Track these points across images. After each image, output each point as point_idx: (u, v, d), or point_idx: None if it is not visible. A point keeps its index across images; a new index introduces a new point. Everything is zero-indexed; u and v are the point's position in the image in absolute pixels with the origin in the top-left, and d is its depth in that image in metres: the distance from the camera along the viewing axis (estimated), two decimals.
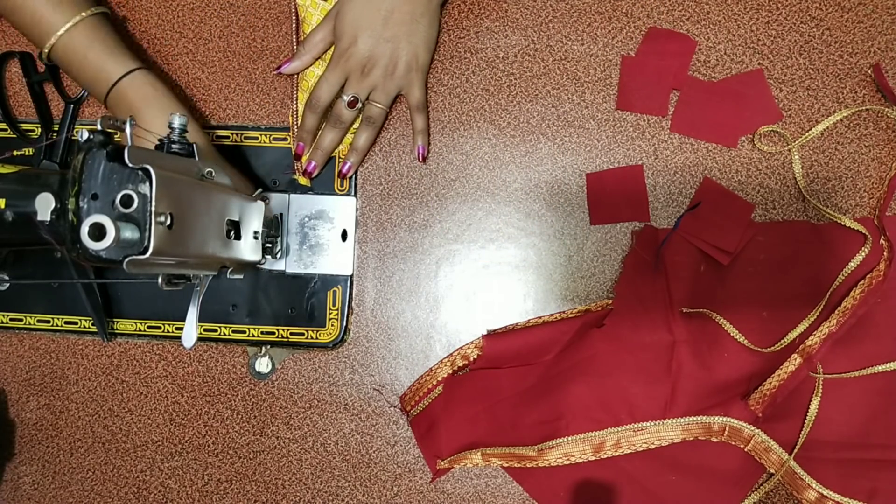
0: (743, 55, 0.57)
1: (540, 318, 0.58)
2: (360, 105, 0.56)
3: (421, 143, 0.58)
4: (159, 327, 0.61)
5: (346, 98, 0.55)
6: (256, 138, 0.61)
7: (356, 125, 0.58)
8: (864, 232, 0.54)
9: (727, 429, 0.54)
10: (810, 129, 0.56)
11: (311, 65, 0.58)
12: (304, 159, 0.58)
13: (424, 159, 0.59)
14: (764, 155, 0.57)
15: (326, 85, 0.55)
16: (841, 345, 0.54)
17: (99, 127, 0.40)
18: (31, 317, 0.63)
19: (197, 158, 0.45)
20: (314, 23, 0.58)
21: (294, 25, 0.59)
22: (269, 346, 0.60)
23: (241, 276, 0.51)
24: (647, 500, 0.56)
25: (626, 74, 0.58)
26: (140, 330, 0.62)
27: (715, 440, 0.54)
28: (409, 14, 0.54)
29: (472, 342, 0.58)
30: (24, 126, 0.64)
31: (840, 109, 0.56)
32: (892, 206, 0.55)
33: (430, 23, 0.56)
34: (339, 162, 0.60)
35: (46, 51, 0.54)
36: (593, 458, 0.55)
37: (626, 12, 0.58)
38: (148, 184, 0.38)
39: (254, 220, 0.52)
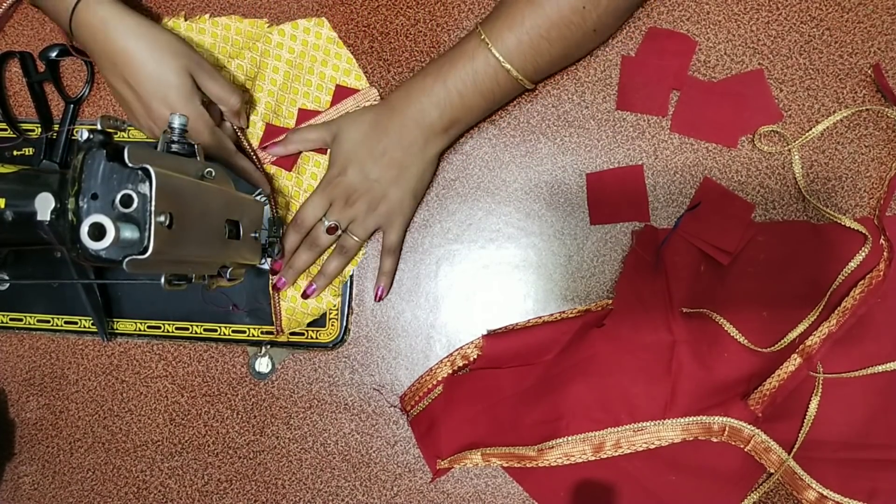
0: (743, 55, 0.57)
1: (540, 318, 0.58)
2: (339, 232, 0.57)
3: (382, 285, 0.58)
4: (159, 327, 0.61)
5: (326, 223, 0.56)
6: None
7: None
8: (864, 232, 0.54)
9: (727, 429, 0.54)
10: (810, 129, 0.56)
11: (293, 153, 0.59)
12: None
13: (380, 299, 0.59)
14: (764, 155, 0.57)
15: (311, 207, 0.56)
16: (841, 345, 0.54)
17: (99, 127, 0.40)
18: (31, 317, 0.63)
19: (198, 158, 0.45)
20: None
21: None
22: (269, 346, 0.60)
23: (241, 279, 0.51)
24: (647, 500, 0.56)
25: (626, 74, 0.58)
26: (140, 330, 0.62)
27: (715, 440, 0.54)
28: (401, 160, 0.55)
29: (472, 342, 0.58)
30: (24, 126, 0.64)
31: (840, 109, 0.56)
32: (892, 206, 0.55)
33: (421, 173, 0.56)
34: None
35: None
36: (593, 458, 0.55)
37: None
38: (148, 184, 0.38)
39: (254, 220, 0.52)
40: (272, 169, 0.60)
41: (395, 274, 0.59)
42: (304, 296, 0.58)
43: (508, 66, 0.52)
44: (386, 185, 0.55)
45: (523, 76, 0.53)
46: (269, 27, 0.61)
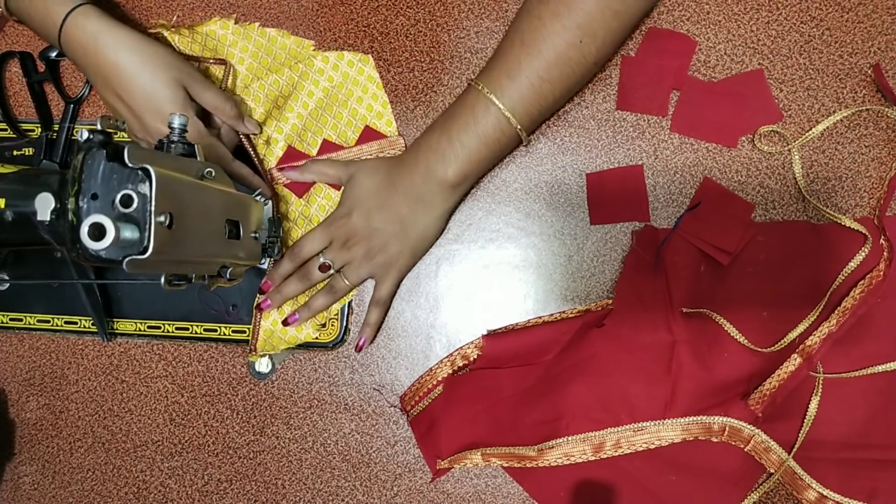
0: (743, 55, 0.57)
1: (540, 318, 0.58)
2: (331, 272, 0.57)
3: (365, 337, 0.58)
4: (159, 327, 0.61)
5: (321, 260, 0.56)
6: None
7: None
8: (864, 232, 0.54)
9: (727, 429, 0.54)
10: (810, 129, 0.56)
11: (307, 181, 0.59)
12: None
13: (360, 350, 0.58)
14: (764, 155, 0.57)
15: (310, 242, 0.57)
16: (841, 345, 0.54)
17: (99, 127, 0.40)
18: (31, 317, 0.63)
19: (198, 158, 0.45)
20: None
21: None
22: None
23: (241, 279, 0.51)
24: (647, 500, 0.56)
25: (626, 74, 0.58)
26: (140, 330, 0.62)
27: (715, 440, 0.54)
28: (405, 216, 0.55)
29: (472, 342, 0.58)
30: (24, 126, 0.64)
31: (840, 109, 0.56)
32: (892, 206, 0.55)
33: (424, 232, 0.57)
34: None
35: (3, 6, 0.54)
36: (593, 458, 0.55)
37: None
38: (148, 184, 0.38)
39: (254, 220, 0.52)
40: (283, 191, 0.60)
41: (380, 326, 0.59)
42: (285, 323, 0.58)
43: (509, 115, 0.51)
44: (387, 237, 0.56)
45: (529, 121, 0.53)
46: (314, 50, 0.60)
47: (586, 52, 0.50)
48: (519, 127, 0.52)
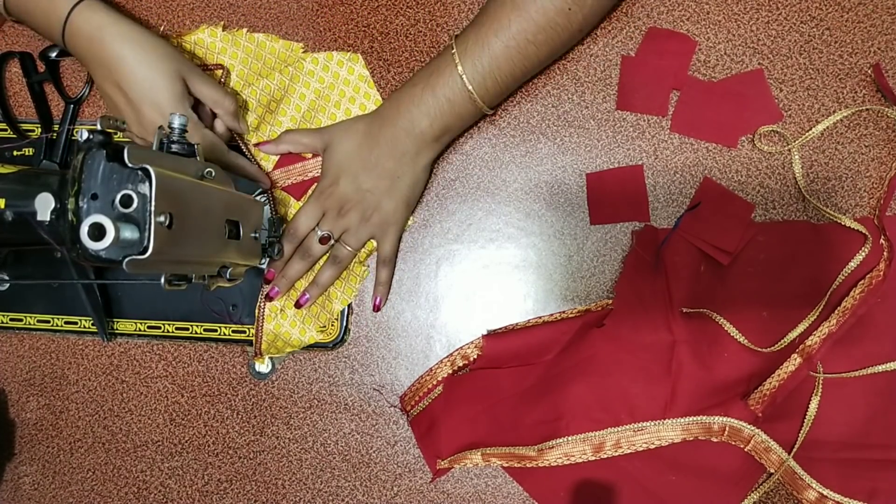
0: (743, 55, 0.57)
1: (540, 318, 0.58)
2: (331, 242, 0.57)
3: (379, 296, 0.58)
4: (159, 327, 0.61)
5: (319, 233, 0.56)
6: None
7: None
8: (864, 232, 0.54)
9: (727, 429, 0.54)
10: (810, 129, 0.56)
11: (282, 153, 0.59)
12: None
13: (377, 310, 0.59)
14: (764, 155, 0.57)
15: (304, 218, 0.57)
16: (841, 345, 0.54)
17: (99, 127, 0.40)
18: (31, 317, 0.63)
19: (198, 158, 0.45)
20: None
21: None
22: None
23: (241, 279, 0.51)
24: (647, 500, 0.56)
25: (626, 74, 0.58)
26: (140, 330, 0.62)
27: (715, 440, 0.54)
28: (393, 171, 0.55)
29: (472, 342, 0.58)
30: (24, 126, 0.64)
31: (840, 109, 0.56)
32: (892, 206, 0.55)
33: (413, 183, 0.56)
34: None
35: (2, 6, 0.54)
36: (593, 458, 0.55)
37: (626, 12, 0.58)
38: (148, 184, 0.38)
39: (254, 220, 0.52)
40: (282, 194, 0.60)
41: (391, 283, 0.59)
42: (297, 305, 0.58)
43: (471, 89, 0.52)
44: (379, 196, 0.56)
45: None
46: (303, 53, 0.60)
47: (573, 19, 0.51)
48: (479, 101, 0.52)
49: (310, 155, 0.60)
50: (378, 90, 0.60)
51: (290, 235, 0.57)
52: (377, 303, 0.58)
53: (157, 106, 0.52)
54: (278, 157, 0.60)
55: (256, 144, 0.59)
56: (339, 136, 0.56)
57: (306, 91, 0.60)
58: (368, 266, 0.60)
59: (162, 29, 0.62)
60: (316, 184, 0.59)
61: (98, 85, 0.55)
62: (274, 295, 0.58)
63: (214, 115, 0.57)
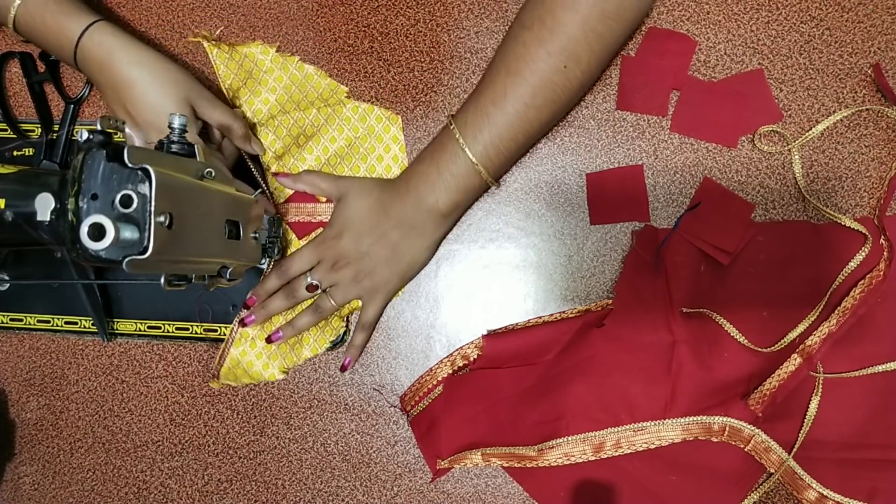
0: (743, 55, 0.57)
1: (540, 318, 0.58)
2: (318, 292, 0.57)
3: (350, 357, 0.58)
4: (159, 327, 0.61)
5: (309, 280, 0.56)
6: None
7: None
8: (864, 232, 0.54)
9: (727, 429, 0.54)
10: (810, 129, 0.56)
11: (298, 190, 0.59)
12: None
13: (344, 370, 0.58)
14: (764, 155, 0.57)
15: (299, 261, 0.57)
16: (841, 345, 0.54)
17: (99, 127, 0.40)
18: (31, 317, 0.63)
19: (198, 158, 0.45)
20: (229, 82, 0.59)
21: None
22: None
23: (241, 279, 0.51)
24: (647, 500, 0.56)
25: (626, 74, 0.58)
26: (140, 330, 0.62)
27: (715, 440, 0.54)
28: (396, 243, 0.55)
29: (472, 342, 0.58)
30: (24, 126, 0.64)
31: (840, 109, 0.56)
32: (892, 206, 0.55)
33: (413, 259, 0.57)
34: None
35: (11, 25, 0.54)
36: (593, 458, 0.55)
37: None
38: (148, 184, 0.38)
39: (254, 221, 0.52)
40: (285, 226, 0.60)
41: (363, 348, 0.59)
42: (268, 340, 0.58)
43: (475, 161, 0.52)
44: (375, 262, 0.56)
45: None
46: (346, 97, 0.60)
47: (571, 77, 0.50)
48: (483, 172, 0.52)
49: (324, 200, 0.59)
50: (377, 90, 0.60)
51: (280, 272, 0.57)
52: (346, 363, 0.58)
53: (164, 132, 0.52)
54: (291, 193, 0.60)
55: (275, 174, 0.59)
56: (355, 193, 0.56)
57: (338, 136, 0.59)
58: (347, 323, 0.60)
59: (218, 32, 0.61)
60: (321, 229, 0.59)
61: (108, 105, 0.56)
62: (249, 322, 0.57)
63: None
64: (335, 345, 0.59)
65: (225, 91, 0.58)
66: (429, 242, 0.57)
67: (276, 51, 0.60)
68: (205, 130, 0.56)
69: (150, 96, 0.52)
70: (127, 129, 0.54)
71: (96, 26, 0.53)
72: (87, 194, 0.38)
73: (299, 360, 0.59)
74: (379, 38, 0.61)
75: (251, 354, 0.59)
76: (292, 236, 0.60)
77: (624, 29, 0.51)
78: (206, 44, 0.58)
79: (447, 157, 0.53)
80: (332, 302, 0.57)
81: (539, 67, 0.49)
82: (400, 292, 0.59)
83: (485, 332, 0.58)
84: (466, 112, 0.52)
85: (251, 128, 0.59)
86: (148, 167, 0.37)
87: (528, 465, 0.56)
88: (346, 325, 0.60)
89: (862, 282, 0.54)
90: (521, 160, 0.58)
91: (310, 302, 0.58)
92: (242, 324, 0.58)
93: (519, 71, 0.50)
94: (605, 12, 0.49)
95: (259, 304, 0.57)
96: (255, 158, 0.59)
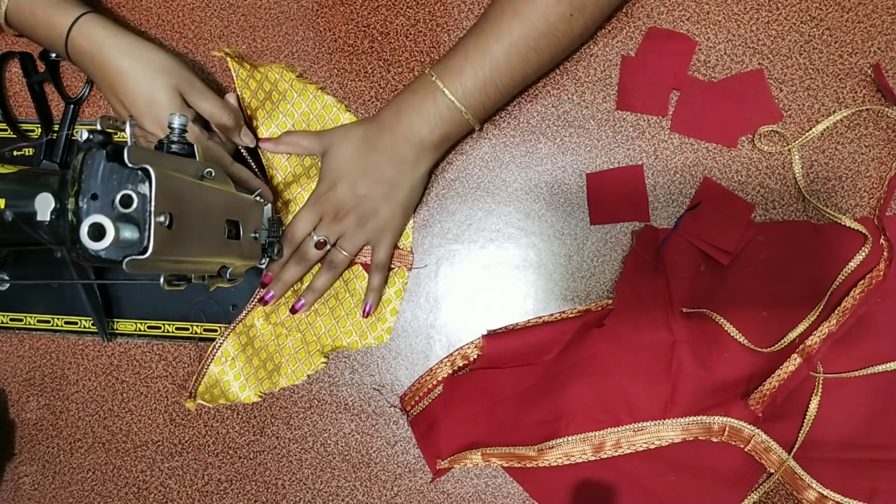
0: (743, 55, 0.57)
1: (540, 318, 0.58)
2: (328, 247, 0.56)
3: (370, 301, 0.58)
4: (159, 327, 0.61)
5: (315, 238, 0.56)
6: None
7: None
8: (864, 232, 0.54)
9: (727, 429, 0.54)
10: (810, 129, 0.56)
11: (281, 153, 0.59)
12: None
13: (367, 315, 0.58)
14: (764, 155, 0.57)
15: (301, 222, 0.57)
16: (841, 345, 0.54)
17: (99, 127, 0.40)
18: (31, 317, 0.63)
19: (198, 158, 0.45)
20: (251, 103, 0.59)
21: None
22: None
23: (241, 279, 0.51)
24: (647, 500, 0.56)
25: (626, 74, 0.58)
26: (140, 330, 0.62)
27: (715, 440, 0.54)
28: (391, 178, 0.55)
29: (472, 342, 0.58)
30: (24, 126, 0.64)
31: (840, 109, 0.56)
32: (892, 206, 0.55)
33: (411, 190, 0.56)
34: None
35: (2, 20, 0.55)
36: (593, 458, 0.55)
37: (626, 12, 0.58)
38: (148, 184, 0.38)
39: (253, 220, 0.52)
40: (286, 197, 0.60)
41: (383, 289, 0.59)
42: (293, 311, 0.58)
43: (461, 106, 0.52)
44: (376, 202, 0.55)
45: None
46: None
47: (574, 26, 0.51)
48: (466, 113, 0.53)
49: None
50: (377, 89, 0.60)
51: (287, 240, 0.57)
52: (367, 308, 0.58)
53: (157, 120, 0.53)
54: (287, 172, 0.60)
55: (259, 140, 0.59)
56: (338, 141, 0.56)
57: None
58: (328, 359, 0.59)
59: (244, 48, 0.61)
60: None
61: (104, 96, 0.56)
62: (269, 299, 0.57)
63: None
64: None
65: (244, 108, 0.59)
66: (422, 171, 0.56)
67: (298, 76, 0.60)
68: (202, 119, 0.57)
69: (140, 85, 0.52)
70: (128, 129, 0.54)
71: (84, 19, 0.53)
72: (87, 194, 0.38)
73: (275, 388, 0.59)
74: (379, 38, 0.61)
75: (229, 374, 0.59)
76: (292, 206, 0.59)
77: None
78: (229, 60, 0.58)
79: (442, 90, 0.52)
80: (344, 253, 0.56)
81: (546, 13, 0.50)
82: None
83: (485, 332, 0.58)
84: (467, 46, 0.52)
85: (247, 121, 0.59)
86: (148, 167, 0.37)
87: (528, 465, 0.56)
88: (326, 361, 0.59)
89: (862, 282, 0.54)
90: (521, 160, 0.58)
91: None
92: (263, 302, 0.58)
93: (526, 13, 0.50)
94: None
95: (275, 277, 0.57)
96: (252, 151, 0.59)
